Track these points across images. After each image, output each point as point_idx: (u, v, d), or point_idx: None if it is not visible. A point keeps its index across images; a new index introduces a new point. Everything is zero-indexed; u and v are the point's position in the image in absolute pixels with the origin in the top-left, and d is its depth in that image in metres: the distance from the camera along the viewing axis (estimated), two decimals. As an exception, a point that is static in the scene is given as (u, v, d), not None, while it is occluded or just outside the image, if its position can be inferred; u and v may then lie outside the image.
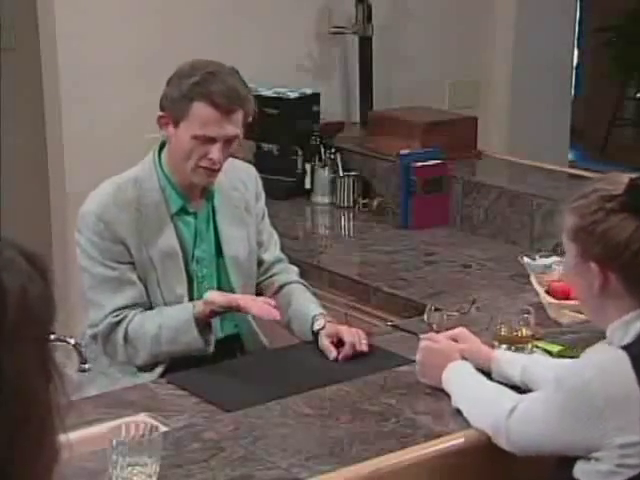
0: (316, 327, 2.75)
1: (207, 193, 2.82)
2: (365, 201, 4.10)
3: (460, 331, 2.48)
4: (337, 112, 4.60)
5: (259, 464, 2.09)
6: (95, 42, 4.06)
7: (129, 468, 1.97)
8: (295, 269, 3.01)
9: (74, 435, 2.25)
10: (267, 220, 3.01)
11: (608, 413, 1.91)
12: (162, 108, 2.72)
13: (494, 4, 4.92)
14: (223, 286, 2.83)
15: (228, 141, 2.69)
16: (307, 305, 2.86)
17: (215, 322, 2.78)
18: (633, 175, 2.01)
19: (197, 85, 2.64)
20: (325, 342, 2.70)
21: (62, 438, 1.23)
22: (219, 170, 2.73)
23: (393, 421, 2.27)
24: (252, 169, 3.04)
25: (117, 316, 2.71)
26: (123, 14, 4.12)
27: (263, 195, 3.00)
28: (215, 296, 2.70)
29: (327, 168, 4.20)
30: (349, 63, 4.65)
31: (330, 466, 2.08)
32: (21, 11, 4.70)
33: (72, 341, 2.44)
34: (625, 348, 1.96)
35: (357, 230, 3.98)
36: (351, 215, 4.10)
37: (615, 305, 2.01)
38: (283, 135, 4.30)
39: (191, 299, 2.78)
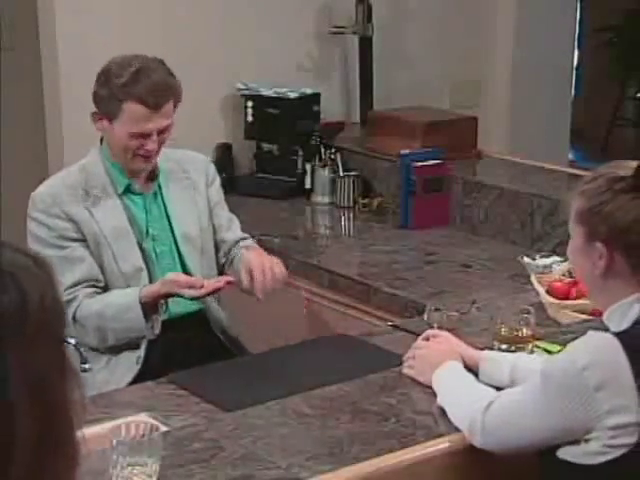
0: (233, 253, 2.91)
1: (153, 176, 2.93)
2: (365, 201, 4.10)
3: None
4: (337, 112, 4.60)
5: (259, 464, 2.09)
6: (95, 42, 4.06)
7: (129, 468, 1.97)
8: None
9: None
10: (226, 208, 3.10)
11: (600, 396, 1.91)
12: (95, 104, 2.84)
13: (495, 4, 4.92)
14: (183, 261, 2.92)
15: (162, 131, 2.81)
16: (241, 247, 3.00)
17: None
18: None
19: (125, 86, 2.76)
20: (242, 269, 2.78)
21: (79, 436, 1.25)
22: (157, 155, 2.86)
23: (393, 421, 2.27)
24: (204, 157, 3.14)
25: (68, 295, 2.77)
26: (123, 14, 4.12)
27: (217, 181, 3.08)
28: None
29: (327, 168, 4.20)
30: (349, 63, 4.65)
31: (330, 466, 2.08)
32: (21, 11, 4.70)
33: (72, 341, 2.44)
34: (619, 334, 1.97)
35: (357, 230, 3.98)
36: (351, 215, 4.10)
37: (618, 286, 2.02)
38: (283, 135, 4.31)
39: (151, 277, 2.87)
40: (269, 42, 4.40)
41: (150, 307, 2.78)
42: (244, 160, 4.41)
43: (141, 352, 2.83)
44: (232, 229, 3.07)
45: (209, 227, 3.01)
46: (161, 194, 2.94)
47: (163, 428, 2.17)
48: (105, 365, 2.84)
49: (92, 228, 2.82)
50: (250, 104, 4.32)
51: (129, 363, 2.83)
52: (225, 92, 4.34)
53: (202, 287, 2.73)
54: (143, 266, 2.86)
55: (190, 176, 3.00)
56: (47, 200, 2.81)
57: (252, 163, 4.42)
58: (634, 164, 2.01)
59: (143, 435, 2.00)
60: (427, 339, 2.49)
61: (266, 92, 4.29)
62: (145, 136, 2.79)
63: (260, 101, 4.30)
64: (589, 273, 2.06)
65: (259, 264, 2.74)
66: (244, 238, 3.09)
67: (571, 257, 2.13)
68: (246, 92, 4.33)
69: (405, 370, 2.47)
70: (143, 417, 2.26)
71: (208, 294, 2.79)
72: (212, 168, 3.09)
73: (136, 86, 2.76)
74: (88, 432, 2.21)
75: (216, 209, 3.04)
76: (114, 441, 1.96)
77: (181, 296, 2.78)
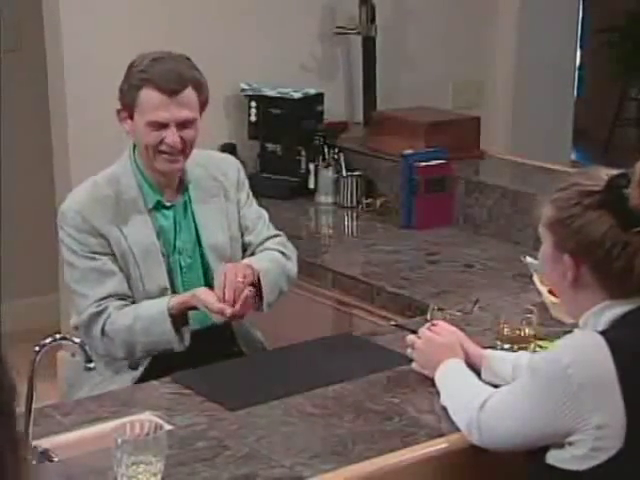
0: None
1: (183, 187, 2.86)
2: (368, 201, 4.11)
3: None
4: (341, 112, 4.61)
5: (263, 463, 2.10)
6: (100, 42, 4.07)
7: (134, 466, 1.97)
8: (282, 241, 3.01)
9: (79, 433, 2.27)
10: (253, 205, 3.02)
11: (584, 395, 1.92)
12: (119, 101, 2.78)
13: (497, 4, 4.93)
14: (208, 275, 2.86)
15: (182, 124, 2.73)
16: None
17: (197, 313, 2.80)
18: (612, 171, 2.02)
19: (142, 72, 2.71)
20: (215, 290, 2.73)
21: None
22: (182, 154, 2.76)
23: (396, 420, 2.28)
24: (232, 159, 3.08)
25: (98, 306, 2.75)
26: (127, 14, 4.13)
27: (246, 183, 3.02)
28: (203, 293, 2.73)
29: (330, 168, 4.21)
30: (353, 63, 4.66)
31: (333, 465, 2.09)
32: (26, 11, 4.71)
33: (77, 340, 2.46)
34: (601, 333, 1.98)
35: (360, 230, 3.99)
36: (354, 215, 4.11)
37: (586, 296, 2.03)
38: (287, 135, 4.32)
39: (174, 290, 2.82)
40: (272, 42, 4.41)
41: (179, 318, 2.73)
42: (248, 160, 4.41)
43: (138, 373, 2.79)
44: (257, 229, 2.98)
45: (239, 234, 2.94)
46: (190, 205, 2.87)
47: (167, 427, 2.18)
48: (109, 377, 2.82)
49: (121, 245, 2.76)
50: (254, 104, 4.33)
51: (124, 380, 2.78)
52: (229, 92, 4.35)
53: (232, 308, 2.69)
54: (168, 285, 2.80)
55: (219, 184, 2.92)
56: (76, 217, 2.75)
57: (256, 163, 4.43)
58: (605, 176, 2.01)
59: (147, 434, 2.00)
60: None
61: (270, 92, 4.30)
62: (163, 126, 2.70)
63: (264, 101, 4.31)
64: (559, 282, 2.07)
65: (229, 281, 2.69)
66: (270, 237, 2.99)
67: (541, 263, 2.14)
68: (250, 92, 4.34)
69: (413, 365, 2.48)
70: (147, 416, 2.27)
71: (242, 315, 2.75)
72: (242, 171, 3.01)
73: (152, 71, 2.69)
74: (93, 431, 2.23)
75: (243, 210, 2.97)
76: (118, 440, 1.97)
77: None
